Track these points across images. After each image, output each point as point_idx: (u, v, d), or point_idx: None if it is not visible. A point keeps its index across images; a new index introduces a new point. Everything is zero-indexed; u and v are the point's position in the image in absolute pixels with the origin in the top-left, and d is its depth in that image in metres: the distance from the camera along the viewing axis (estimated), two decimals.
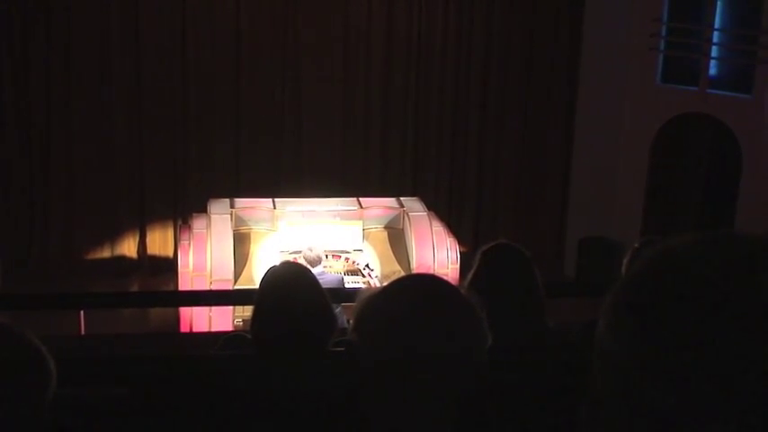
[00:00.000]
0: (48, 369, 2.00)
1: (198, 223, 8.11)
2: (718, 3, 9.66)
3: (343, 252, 8.08)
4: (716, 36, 9.77)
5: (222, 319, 7.50)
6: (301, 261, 7.31)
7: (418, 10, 10.78)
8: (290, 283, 3.23)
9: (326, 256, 7.90)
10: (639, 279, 0.95)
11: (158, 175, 10.57)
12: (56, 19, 10.08)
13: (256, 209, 8.36)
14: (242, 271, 7.92)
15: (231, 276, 7.73)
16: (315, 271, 7.15)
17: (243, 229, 8.19)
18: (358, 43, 10.79)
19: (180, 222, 9.83)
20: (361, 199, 8.70)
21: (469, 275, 3.29)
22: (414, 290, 1.61)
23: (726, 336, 0.86)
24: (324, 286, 3.33)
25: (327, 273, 7.51)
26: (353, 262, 8.08)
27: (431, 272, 7.28)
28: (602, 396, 0.95)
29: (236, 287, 7.63)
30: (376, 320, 1.56)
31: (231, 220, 8.09)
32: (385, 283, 1.67)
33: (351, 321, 1.63)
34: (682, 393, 0.87)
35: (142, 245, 10.66)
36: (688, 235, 0.97)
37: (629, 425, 0.92)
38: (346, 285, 7.47)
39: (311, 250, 7.44)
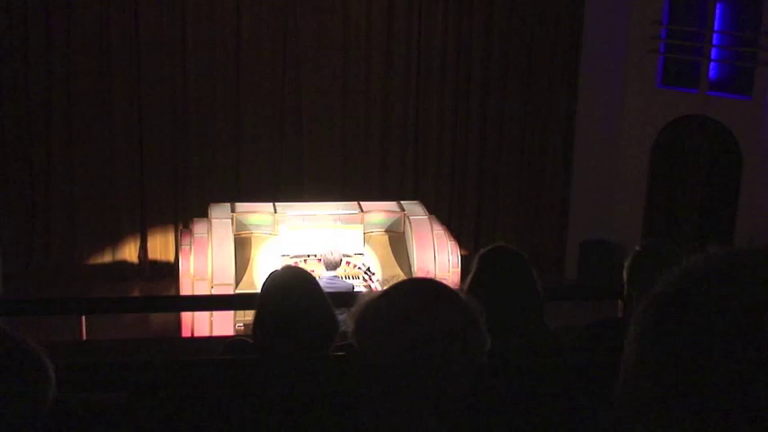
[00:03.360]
0: (47, 374, 2.00)
1: (199, 228, 8.11)
2: (719, 5, 9.67)
3: (344, 256, 8.09)
4: (716, 38, 9.78)
5: (223, 324, 7.51)
6: (312, 265, 7.34)
7: (418, 13, 10.78)
8: (292, 287, 3.24)
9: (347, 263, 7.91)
10: (671, 298, 0.94)
11: (159, 179, 10.57)
12: (55, 22, 10.09)
13: (257, 213, 8.37)
14: (243, 275, 7.92)
15: (232, 281, 7.73)
16: (328, 275, 7.19)
17: (244, 233, 8.19)
18: (358, 46, 10.79)
19: (181, 227, 9.83)
20: (361, 203, 8.70)
21: (468, 279, 3.29)
22: (413, 294, 1.61)
23: (759, 359, 0.86)
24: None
25: (340, 279, 7.52)
26: (354, 266, 8.08)
27: (432, 275, 7.28)
28: (625, 411, 0.95)
29: (238, 292, 7.64)
30: (375, 324, 1.56)
31: (232, 224, 8.10)
32: (385, 287, 1.67)
33: (350, 325, 1.64)
34: (707, 415, 0.87)
35: (143, 249, 10.66)
36: (717, 249, 0.96)
37: None
38: None
39: (332, 254, 7.46)
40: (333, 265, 7.40)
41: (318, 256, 7.72)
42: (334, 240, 8.02)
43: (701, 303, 0.91)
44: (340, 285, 7.09)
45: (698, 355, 0.88)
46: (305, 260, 7.82)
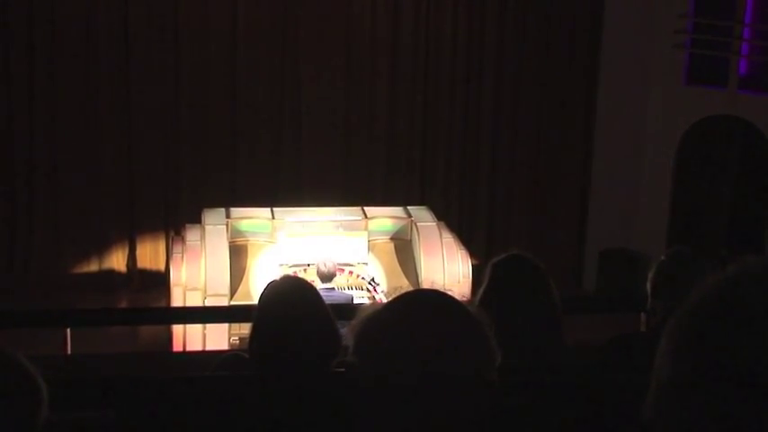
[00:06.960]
0: (40, 394, 2.00)
1: (191, 235, 8.13)
2: None
3: (346, 265, 8.09)
4: (746, 32, 9.77)
5: (217, 338, 7.52)
6: (312, 275, 7.34)
7: (426, 6, 10.79)
8: (291, 298, 3.25)
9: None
10: (710, 310, 0.95)
11: (149, 182, 10.58)
12: (40, 24, 10.10)
13: (254, 219, 8.38)
14: (239, 286, 7.94)
15: (227, 291, 7.74)
16: (325, 287, 7.20)
17: (239, 240, 8.21)
18: (362, 41, 10.79)
19: (172, 234, 9.84)
20: (365, 208, 8.71)
21: (480, 290, 3.30)
22: (418, 307, 1.62)
23: None
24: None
25: (337, 291, 7.52)
26: (358, 276, 8.09)
27: (440, 286, 7.28)
28: (654, 425, 0.96)
29: (233, 303, 7.65)
30: (377, 339, 1.57)
31: (227, 230, 8.11)
32: (388, 299, 1.68)
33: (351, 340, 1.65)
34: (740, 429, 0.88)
35: (132, 258, 10.68)
36: (755, 259, 0.97)
37: None
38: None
39: (325, 265, 7.44)
40: (327, 277, 7.38)
41: (316, 267, 7.71)
42: (335, 248, 8.03)
43: (743, 315, 0.92)
44: (337, 297, 7.08)
45: (743, 369, 0.89)
46: (305, 269, 7.83)
